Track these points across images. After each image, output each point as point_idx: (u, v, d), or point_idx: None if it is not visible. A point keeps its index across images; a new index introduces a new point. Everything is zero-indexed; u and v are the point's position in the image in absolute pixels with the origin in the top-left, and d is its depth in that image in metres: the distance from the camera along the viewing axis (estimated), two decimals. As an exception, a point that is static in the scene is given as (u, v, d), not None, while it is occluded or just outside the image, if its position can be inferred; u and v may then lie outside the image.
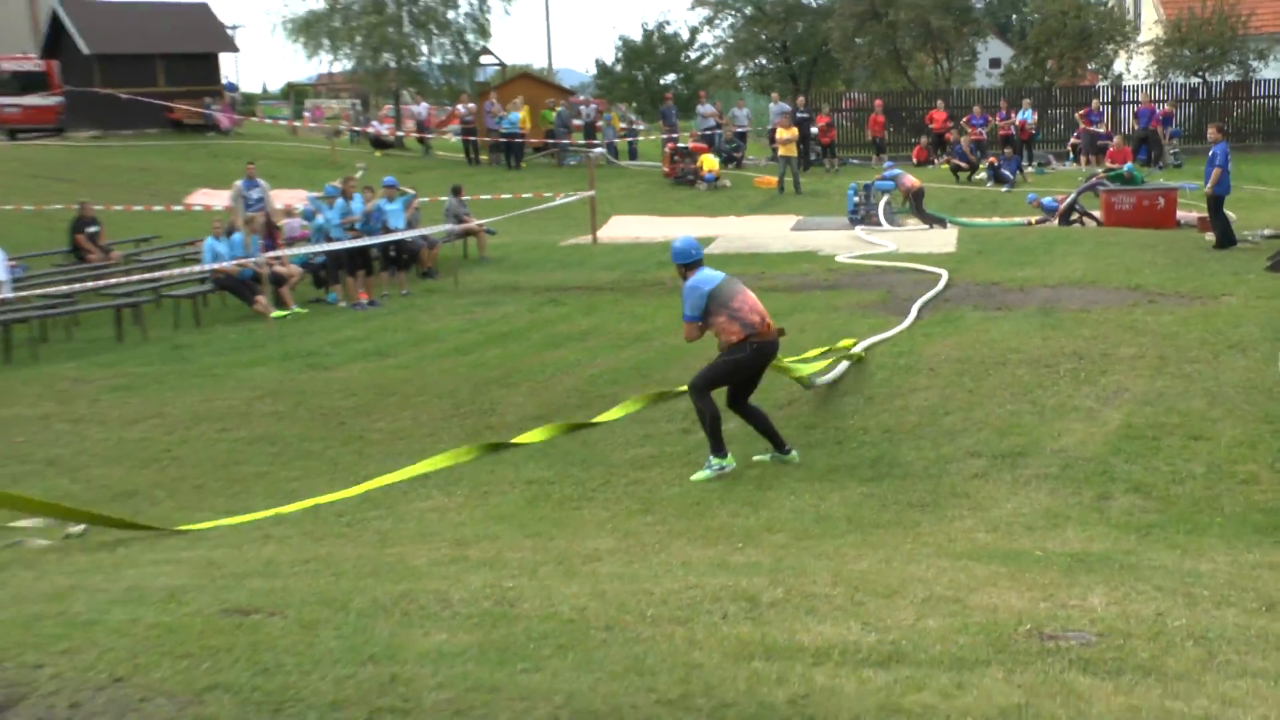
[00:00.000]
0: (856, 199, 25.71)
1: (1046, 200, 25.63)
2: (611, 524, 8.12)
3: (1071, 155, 35.74)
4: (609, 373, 13.35)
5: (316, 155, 39.71)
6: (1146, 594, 5.86)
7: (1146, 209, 23.18)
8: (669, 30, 67.54)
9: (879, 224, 24.68)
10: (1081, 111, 36.17)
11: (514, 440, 10.63)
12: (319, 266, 19.87)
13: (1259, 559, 7.03)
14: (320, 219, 19.97)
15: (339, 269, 19.54)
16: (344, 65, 49.65)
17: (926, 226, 24.49)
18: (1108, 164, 27.91)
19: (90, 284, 18.39)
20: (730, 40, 55.54)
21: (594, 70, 71.85)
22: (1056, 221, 24.34)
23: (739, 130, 38.36)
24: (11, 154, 37.51)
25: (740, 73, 56.47)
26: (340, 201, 20.20)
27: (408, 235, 20.41)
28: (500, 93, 40.99)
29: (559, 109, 39.73)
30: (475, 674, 4.42)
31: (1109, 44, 42.79)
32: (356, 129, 45.33)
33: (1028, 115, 35.84)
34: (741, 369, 9.68)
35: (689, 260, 9.79)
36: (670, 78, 65.05)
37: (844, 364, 12.02)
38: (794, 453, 9.75)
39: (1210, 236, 19.71)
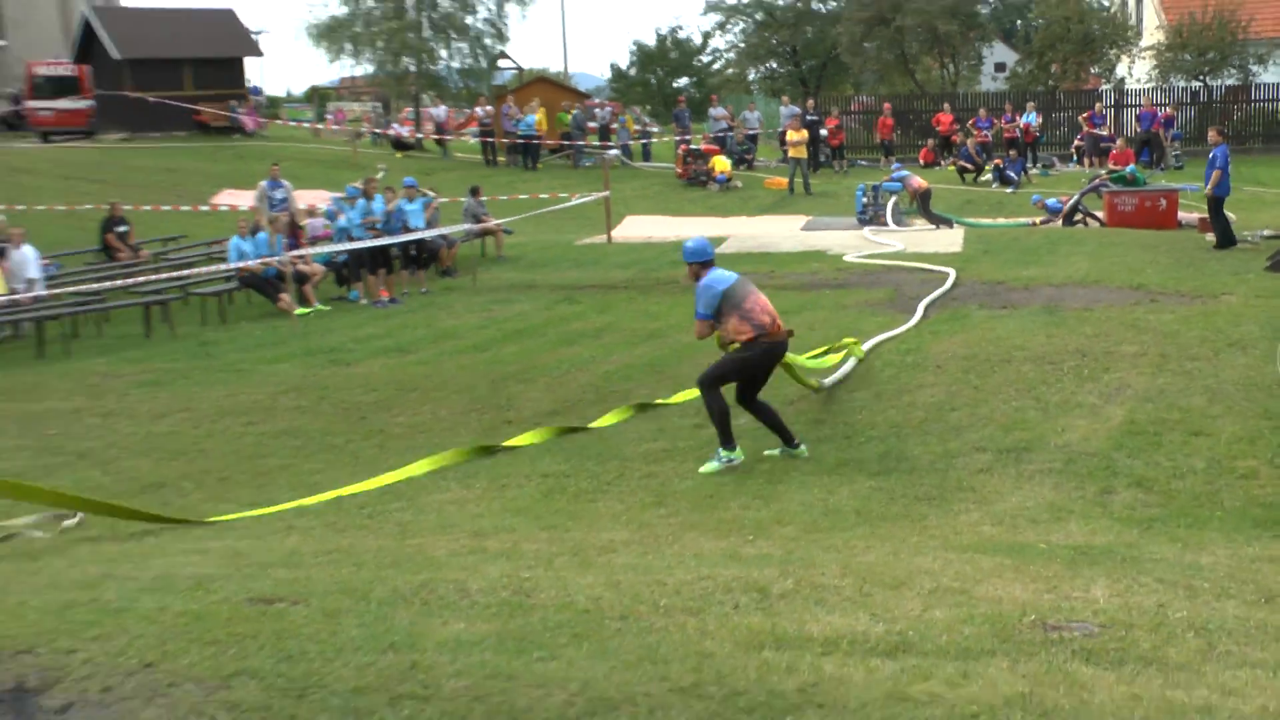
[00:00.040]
0: (865, 200, 25.67)
1: (1051, 201, 25.57)
2: (626, 516, 8.12)
3: (1075, 157, 35.66)
4: (623, 369, 13.35)
5: (338, 157, 39.76)
6: (1148, 586, 5.84)
7: (1148, 210, 23.12)
8: (682, 35, 67.62)
9: (887, 224, 24.65)
10: (1085, 115, 36.10)
11: (505, 444, 10.44)
12: (341, 265, 19.90)
13: (1258, 552, 7.00)
14: (343, 220, 20.01)
15: (360, 267, 19.57)
16: (365, 69, 49.75)
17: (933, 227, 24.44)
18: (1110, 166, 27.84)
19: (120, 282, 18.46)
20: (742, 45, 55.55)
21: (609, 74, 71.91)
22: (1060, 222, 24.29)
23: (750, 133, 38.31)
24: (44, 156, 37.61)
25: (751, 76, 56.48)
26: (361, 202, 20.25)
27: (427, 235, 20.44)
28: (517, 96, 41.02)
29: (575, 112, 39.72)
30: (493, 662, 4.41)
31: (1111, 49, 42.66)
32: (377, 131, 45.35)
33: (1032, 118, 35.75)
34: (749, 367, 9.67)
35: (702, 259, 9.77)
36: (683, 81, 65.05)
37: (850, 363, 11.98)
38: (803, 447, 9.73)
39: (1211, 237, 19.65)
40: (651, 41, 68.04)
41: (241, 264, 18.81)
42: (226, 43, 46.01)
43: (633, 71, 68.40)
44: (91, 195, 28.23)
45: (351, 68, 51.50)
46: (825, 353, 12.08)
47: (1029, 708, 4.11)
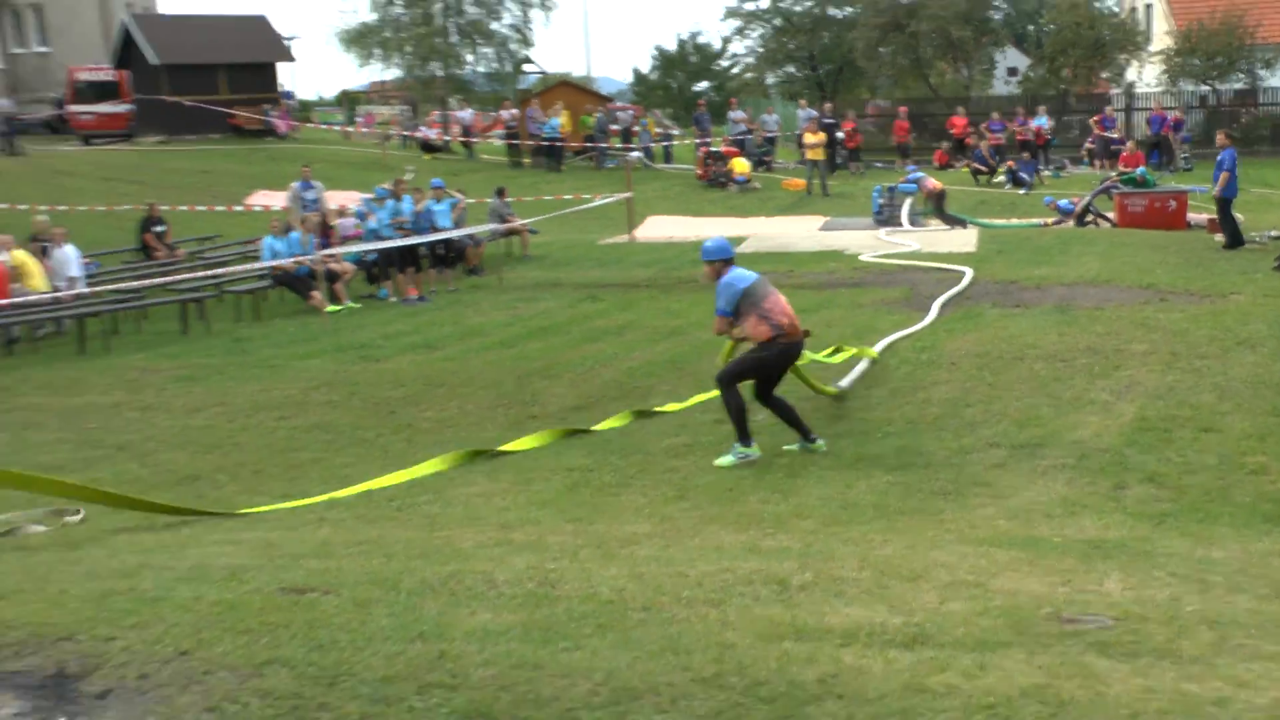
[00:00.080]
0: (881, 201, 25.60)
1: (1062, 202, 25.45)
2: (648, 509, 8.09)
3: (1086, 160, 35.49)
4: (645, 366, 13.32)
5: (368, 158, 39.83)
6: (1161, 580, 5.79)
7: (1158, 211, 22.98)
8: (702, 40, 67.54)
9: (902, 225, 24.57)
10: (1096, 118, 35.92)
11: (502, 448, 10.10)
12: (371, 264, 19.92)
13: (1269, 547, 6.94)
14: (373, 222, 20.03)
15: (390, 266, 19.60)
16: (394, 74, 49.83)
17: (948, 227, 24.35)
18: (1121, 168, 27.70)
19: (158, 280, 18.52)
20: (760, 50, 55.45)
21: (631, 78, 71.86)
22: (1072, 223, 24.17)
23: (768, 135, 38.24)
24: (85, 158, 37.78)
25: (769, 81, 56.37)
26: (391, 202, 20.28)
27: (455, 234, 20.45)
28: (542, 99, 41.00)
29: (598, 115, 39.70)
30: (519, 652, 4.40)
31: (1121, 54, 42.44)
32: (406, 134, 45.41)
33: (1043, 121, 35.58)
34: (766, 366, 9.64)
35: (723, 257, 9.73)
36: (703, 85, 64.97)
37: (863, 364, 11.89)
38: (820, 441, 9.68)
39: (1220, 237, 19.52)
40: (672, 46, 68.10)
41: (274, 262, 18.85)
42: (260, 48, 46.16)
43: (654, 75, 68.34)
44: (130, 196, 28.34)
45: (381, 72, 51.74)
46: (834, 351, 12.01)
47: (1045, 699, 4.08)
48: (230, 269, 19.65)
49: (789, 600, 5.27)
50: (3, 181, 30.63)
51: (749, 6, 54.26)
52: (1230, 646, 4.73)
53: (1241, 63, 38.79)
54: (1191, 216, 23.20)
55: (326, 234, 20.36)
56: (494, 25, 46.42)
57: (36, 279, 17.64)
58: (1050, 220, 24.89)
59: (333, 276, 19.04)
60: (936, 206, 25.33)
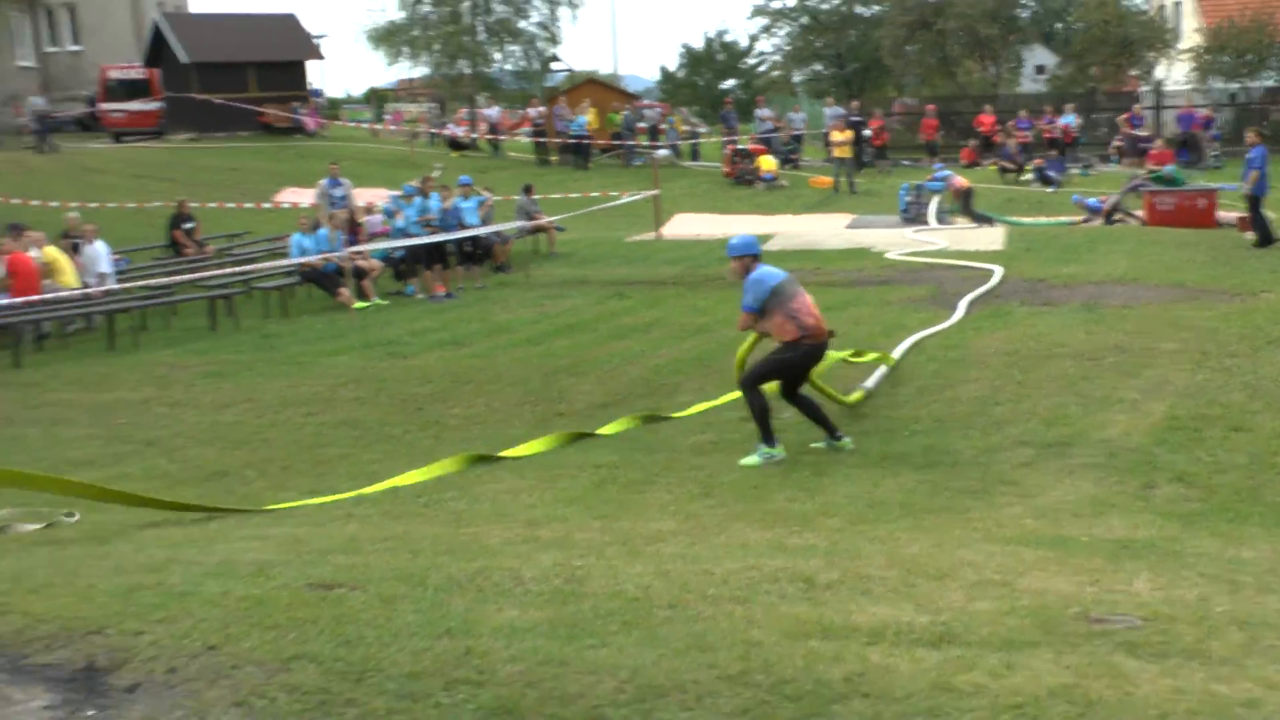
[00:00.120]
0: (908, 198, 25.52)
1: (1090, 200, 25.30)
2: (674, 507, 8.08)
3: (1115, 157, 35.30)
4: (672, 363, 13.31)
5: (396, 156, 39.93)
6: (1190, 580, 5.74)
7: (1188, 209, 22.84)
8: (729, 38, 67.42)
9: (929, 223, 24.48)
10: (1124, 116, 35.71)
11: (504, 453, 9.91)
12: (399, 260, 19.97)
13: (1299, 547, 6.87)
14: (400, 221, 20.08)
15: (417, 263, 19.64)
16: (422, 72, 49.94)
17: (975, 225, 24.26)
18: (1150, 166, 27.53)
19: (187, 276, 18.61)
20: (787, 48, 55.39)
21: (658, 76, 71.80)
22: (1101, 221, 24.03)
23: (795, 133, 38.17)
24: (117, 155, 38.01)
25: (796, 79, 56.31)
26: (418, 199, 20.32)
27: (482, 231, 20.47)
28: (569, 97, 41.06)
29: (625, 113, 39.70)
30: (545, 648, 4.39)
31: (1150, 51, 42.20)
32: (434, 131, 45.51)
33: (1071, 119, 35.39)
34: (790, 368, 9.59)
35: (750, 253, 9.68)
36: (730, 83, 64.86)
37: (882, 371, 11.79)
38: (847, 439, 9.64)
39: (1250, 235, 19.38)
40: (699, 44, 68.00)
41: (302, 259, 18.92)
42: (289, 47, 46.31)
43: (681, 73, 68.27)
44: (160, 193, 28.50)
45: (409, 70, 51.80)
46: (855, 355, 11.89)
47: (1073, 699, 4.05)
48: (259, 266, 19.74)
49: (815, 598, 5.24)
50: (35, 178, 30.86)
51: (776, 4, 54.31)
52: (1261, 648, 4.68)
53: (1272, 60, 38.51)
54: (1221, 215, 23.04)
55: (354, 231, 20.42)
56: (521, 23, 46.53)
57: (68, 275, 17.76)
58: (1079, 218, 24.76)
59: (360, 273, 19.10)
60: (964, 204, 25.24)
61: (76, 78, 48.23)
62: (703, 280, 18.62)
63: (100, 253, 18.57)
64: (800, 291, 9.62)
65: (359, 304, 18.49)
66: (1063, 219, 25.06)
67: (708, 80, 66.57)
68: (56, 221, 20.58)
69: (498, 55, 46.80)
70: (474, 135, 42.93)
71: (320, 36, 64.62)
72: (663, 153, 37.28)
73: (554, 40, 47.78)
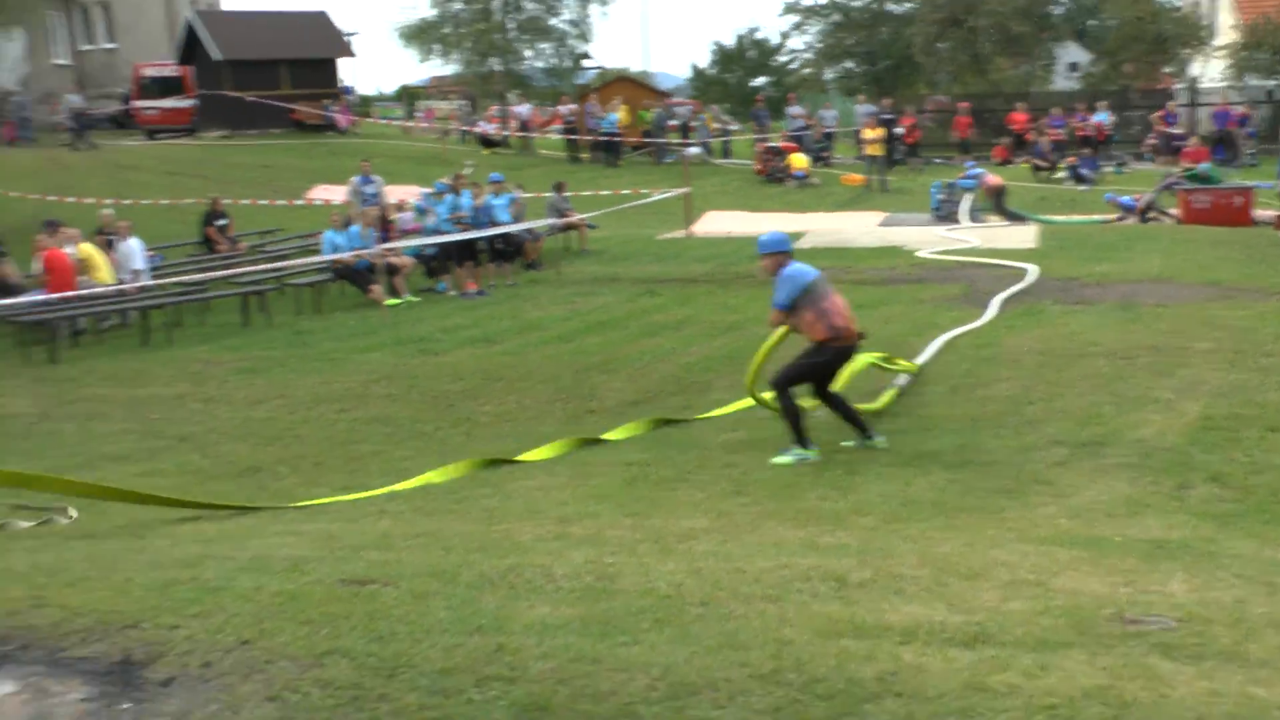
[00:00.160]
0: (940, 196, 25.42)
1: (1124, 199, 25.15)
2: (706, 504, 8.07)
3: (1148, 155, 35.07)
4: (703, 360, 13.30)
5: (428, 153, 40.02)
6: (1226, 581, 5.69)
7: (1223, 207, 22.66)
8: (760, 36, 67.26)
9: (961, 221, 24.39)
10: (1159, 113, 35.45)
11: (518, 458, 9.78)
12: (430, 258, 20.02)
13: (1337, 549, 6.80)
14: (432, 221, 20.13)
15: (449, 260, 19.68)
16: (453, 69, 50.00)
17: (1008, 224, 24.15)
18: (1185, 164, 27.33)
19: (220, 273, 18.70)
20: (818, 45, 55.21)
21: (689, 73, 71.68)
22: (1135, 219, 23.88)
23: (826, 131, 38.06)
24: (150, 153, 38.27)
25: (827, 76, 56.12)
26: (450, 197, 20.37)
27: (514, 229, 20.50)
28: (600, 94, 41.07)
29: (656, 110, 39.67)
30: (577, 645, 4.40)
31: (1185, 48, 41.87)
32: (465, 129, 45.61)
33: (1104, 117, 35.16)
34: (820, 370, 9.55)
35: (782, 249, 9.64)
36: (761, 81, 64.69)
37: (903, 379, 11.67)
38: (880, 438, 9.59)
39: (1286, 234, 19.23)
40: (730, 42, 67.86)
41: (335, 256, 18.99)
42: (320, 44, 46.47)
43: (712, 71, 68.14)
44: (193, 190, 28.66)
45: (440, 67, 51.90)
46: (886, 360, 11.72)
47: (1108, 701, 4.02)
48: (291, 262, 19.83)
49: (847, 597, 5.23)
50: (70, 175, 31.11)
51: (807, 2, 54.10)
52: (1299, 650, 4.64)
53: (1309, 57, 38.17)
54: (1257, 213, 22.86)
55: (386, 228, 20.49)
56: (552, 21, 46.54)
57: (103, 271, 17.90)
58: (1112, 217, 24.60)
59: (392, 270, 19.16)
60: (997, 202, 25.12)
61: (111, 75, 48.56)
62: (734, 278, 18.59)
63: (134, 249, 18.70)
64: (833, 291, 9.57)
65: (391, 301, 18.55)
66: (1096, 217, 24.92)
67: (739, 78, 66.39)
68: (91, 218, 20.74)
69: (529, 52, 46.84)
70: (505, 133, 42.99)
71: (351, 34, 64.78)
72: (694, 150, 37.24)
73: (585, 37, 47.79)
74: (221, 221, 22.87)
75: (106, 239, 18.94)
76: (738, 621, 4.79)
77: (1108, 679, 4.21)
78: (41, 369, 14.92)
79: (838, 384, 9.99)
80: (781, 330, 9.65)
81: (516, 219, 21.01)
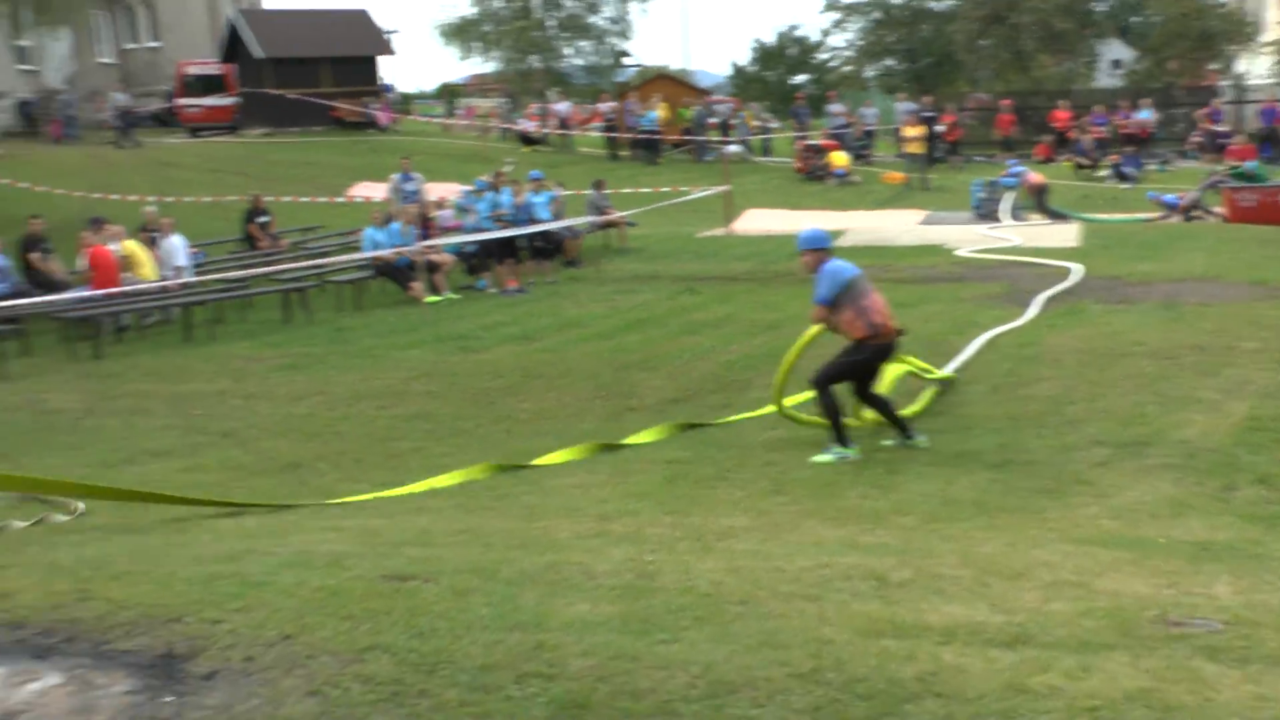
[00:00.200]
0: (981, 194, 25.28)
1: (1167, 197, 24.91)
2: (746, 503, 8.06)
3: (1193, 153, 34.74)
4: (743, 359, 13.27)
5: (468, 151, 40.14)
6: (1273, 584, 5.63)
7: (1271, 205, 22.41)
8: (800, 33, 67.07)
9: (1002, 219, 24.25)
10: (1204, 110, 35.10)
11: (535, 461, 9.63)
12: (470, 255, 20.08)
13: (1385, 552, 6.71)
14: (472, 220, 20.18)
15: (489, 257, 19.73)
16: (494, 67, 50.20)
17: (1050, 222, 23.99)
18: (1230, 162, 27.05)
19: (261, 270, 18.82)
20: (859, 43, 55.03)
21: (729, 71, 71.60)
22: (1178, 217, 23.66)
23: (867, 128, 37.92)
24: (193, 150, 38.58)
25: (868, 74, 55.93)
26: (490, 194, 20.42)
27: (553, 226, 20.54)
28: (640, 92, 41.08)
29: (696, 108, 39.63)
30: (617, 643, 4.40)
31: (1230, 45, 41.45)
32: (505, 126, 45.73)
33: (1148, 115, 34.86)
34: (859, 368, 9.52)
35: (823, 246, 9.61)
36: (801, 78, 64.49)
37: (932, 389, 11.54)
38: (922, 438, 9.55)
39: (1334, 233, 19.00)
40: (771, 39, 67.69)
41: (375, 253, 19.07)
42: (361, 42, 46.71)
43: (752, 69, 68.02)
44: (235, 187, 28.85)
45: (480, 65, 52.12)
46: (925, 370, 11.56)
47: (1151, 704, 3.99)
48: (332, 259, 19.93)
49: (888, 597, 5.21)
50: (114, 173, 31.39)
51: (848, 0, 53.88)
52: (1347, 654, 4.58)
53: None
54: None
55: (426, 225, 20.57)
56: (592, 18, 46.63)
57: (146, 268, 18.04)
58: (1155, 215, 24.39)
59: (432, 267, 19.23)
60: (1039, 201, 24.96)
61: (154, 74, 48.97)
62: (774, 276, 18.55)
63: (177, 246, 18.84)
64: (872, 289, 9.54)
65: (431, 298, 18.62)
66: (1139, 215, 24.71)
67: (779, 75, 66.20)
68: (135, 215, 20.91)
69: (568, 50, 46.96)
70: (545, 130, 43.08)
71: (392, 32, 65.03)
72: (734, 148, 37.18)
73: (625, 35, 47.91)
74: (263, 219, 23.03)
75: (150, 236, 19.09)
76: (777, 620, 4.78)
77: (1151, 681, 4.17)
78: (86, 365, 15.06)
79: (882, 387, 9.97)
80: (812, 331, 9.63)
81: (556, 216, 21.05)
